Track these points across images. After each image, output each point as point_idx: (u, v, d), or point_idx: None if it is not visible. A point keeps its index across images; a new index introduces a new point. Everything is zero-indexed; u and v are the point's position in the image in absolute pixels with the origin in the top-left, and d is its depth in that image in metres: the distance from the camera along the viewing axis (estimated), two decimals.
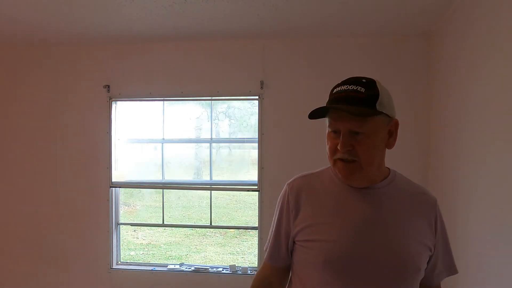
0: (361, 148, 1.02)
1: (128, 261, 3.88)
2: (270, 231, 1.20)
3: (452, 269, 1.18)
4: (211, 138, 3.36)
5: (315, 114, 1.05)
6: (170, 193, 7.54)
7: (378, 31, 2.89)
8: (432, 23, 2.69)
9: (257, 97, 3.11)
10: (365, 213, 1.05)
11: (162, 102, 3.32)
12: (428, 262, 1.10)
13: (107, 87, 3.21)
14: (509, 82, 1.74)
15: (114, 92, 3.23)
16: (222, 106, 4.84)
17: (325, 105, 1.07)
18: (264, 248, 1.23)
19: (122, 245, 3.43)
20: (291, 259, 1.16)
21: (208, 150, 3.38)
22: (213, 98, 3.23)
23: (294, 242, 1.13)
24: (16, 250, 3.34)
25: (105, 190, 3.25)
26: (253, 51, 3.11)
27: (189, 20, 2.67)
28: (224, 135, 4.75)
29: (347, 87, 1.04)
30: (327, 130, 1.09)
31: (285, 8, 2.43)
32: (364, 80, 1.06)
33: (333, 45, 3.03)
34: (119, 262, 3.35)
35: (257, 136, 3.13)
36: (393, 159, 3.42)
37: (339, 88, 1.06)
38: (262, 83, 3.08)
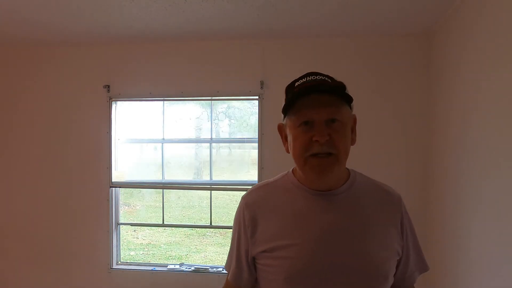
0: (338, 137, 0.95)
1: (128, 261, 3.88)
2: (230, 249, 1.13)
3: (424, 267, 1.13)
4: (211, 138, 3.36)
5: (288, 105, 0.98)
6: (170, 193, 7.54)
7: (378, 31, 2.88)
8: (433, 22, 2.69)
9: (257, 97, 3.11)
10: (327, 223, 0.98)
11: (162, 102, 3.31)
12: (397, 266, 1.05)
13: (107, 87, 3.21)
14: (511, 81, 1.74)
15: (114, 92, 3.23)
16: (222, 106, 4.83)
17: (285, 101, 1.00)
18: (225, 266, 1.16)
19: (122, 245, 3.43)
20: (255, 277, 1.09)
21: (208, 150, 3.38)
22: (213, 98, 3.23)
23: (254, 259, 1.06)
24: (16, 250, 3.34)
25: (105, 190, 3.25)
26: (253, 51, 3.11)
27: (189, 20, 2.66)
28: (224, 135, 4.75)
29: (313, 77, 1.00)
30: (290, 127, 1.00)
31: (285, 8, 2.43)
32: (323, 73, 1.02)
33: (333, 45, 3.03)
34: (119, 262, 3.35)
35: (257, 136, 3.13)
36: (393, 160, 3.39)
37: (304, 80, 1.00)
38: (262, 83, 3.07)
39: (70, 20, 2.68)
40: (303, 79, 1.01)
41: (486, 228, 1.98)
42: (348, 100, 0.98)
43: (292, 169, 1.10)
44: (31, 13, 2.53)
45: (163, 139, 3.35)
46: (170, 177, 3.41)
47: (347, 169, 1.08)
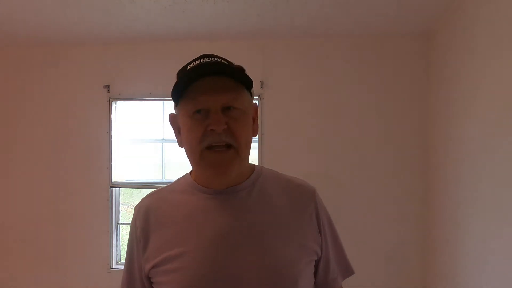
0: (237, 126, 0.83)
1: None
2: (124, 266, 0.99)
3: (348, 270, 1.00)
4: None
5: (178, 91, 0.84)
6: None
7: (377, 31, 2.88)
8: (432, 23, 2.69)
9: (257, 97, 3.11)
10: (227, 226, 0.85)
11: (162, 102, 3.32)
12: (317, 268, 0.94)
13: (107, 87, 3.21)
14: (511, 82, 1.74)
15: (114, 92, 3.23)
16: None
17: (174, 87, 0.85)
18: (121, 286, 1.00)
19: (122, 245, 3.43)
20: None
21: None
22: None
23: (149, 279, 0.91)
24: (16, 250, 3.34)
25: (105, 190, 3.25)
26: (253, 51, 3.11)
27: (189, 20, 2.67)
28: None
29: (208, 59, 0.87)
30: (183, 116, 0.86)
31: (285, 8, 2.43)
32: (219, 56, 0.90)
33: (333, 45, 3.02)
34: (119, 262, 3.35)
35: (257, 136, 3.13)
36: (392, 161, 3.39)
37: (198, 62, 0.87)
38: (262, 83, 3.07)
39: (70, 20, 2.68)
40: (197, 61, 0.87)
41: (486, 228, 1.98)
42: (248, 84, 0.88)
43: (190, 171, 0.98)
44: (31, 13, 2.53)
45: (163, 139, 3.35)
46: (170, 177, 3.41)
47: (252, 164, 0.96)
